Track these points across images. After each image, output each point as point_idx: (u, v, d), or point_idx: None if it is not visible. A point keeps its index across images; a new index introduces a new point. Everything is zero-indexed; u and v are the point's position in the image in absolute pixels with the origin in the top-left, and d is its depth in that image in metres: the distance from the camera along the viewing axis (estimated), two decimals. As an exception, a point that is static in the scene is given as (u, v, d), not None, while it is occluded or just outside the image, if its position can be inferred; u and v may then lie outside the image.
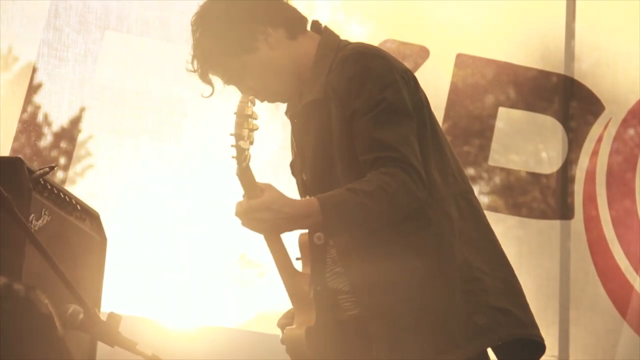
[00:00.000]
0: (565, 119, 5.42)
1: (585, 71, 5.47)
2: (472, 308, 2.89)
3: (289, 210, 2.82)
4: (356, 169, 2.91)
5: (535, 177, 5.38)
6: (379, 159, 2.87)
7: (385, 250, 2.92)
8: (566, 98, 5.43)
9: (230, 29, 3.07)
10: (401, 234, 2.92)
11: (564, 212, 5.33)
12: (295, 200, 2.86)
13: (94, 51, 4.70)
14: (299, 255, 3.06)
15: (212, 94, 3.15)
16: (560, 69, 5.41)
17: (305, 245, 3.00)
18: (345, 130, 2.94)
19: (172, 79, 4.77)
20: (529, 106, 5.40)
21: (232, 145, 2.77)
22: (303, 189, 3.13)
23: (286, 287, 2.99)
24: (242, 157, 2.77)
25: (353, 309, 2.99)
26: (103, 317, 2.61)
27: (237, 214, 2.84)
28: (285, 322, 3.08)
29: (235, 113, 2.75)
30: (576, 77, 5.44)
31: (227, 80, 3.11)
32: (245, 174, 2.80)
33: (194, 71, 3.12)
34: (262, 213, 2.80)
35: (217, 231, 4.74)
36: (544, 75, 5.41)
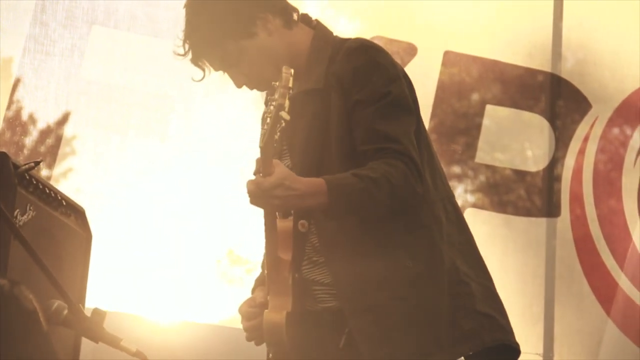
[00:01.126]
0: (552, 117, 5.43)
1: (572, 70, 5.48)
2: (459, 312, 2.91)
3: (299, 187, 2.77)
4: (352, 159, 2.91)
5: (521, 175, 5.39)
6: (381, 150, 2.87)
7: (375, 246, 2.92)
8: (553, 96, 5.44)
9: (231, 12, 3.04)
10: (392, 233, 2.92)
11: (550, 210, 5.35)
12: (303, 178, 2.81)
13: (81, 46, 4.69)
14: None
15: (202, 78, 3.11)
16: (547, 67, 5.42)
17: (286, 232, 2.97)
18: (344, 120, 2.95)
19: (159, 75, 4.76)
20: (516, 104, 5.41)
21: (267, 115, 2.66)
22: None
23: (268, 268, 2.97)
24: (276, 129, 2.67)
25: (330, 301, 2.99)
26: (87, 313, 2.60)
27: (250, 191, 2.76)
28: (247, 309, 3.07)
29: (279, 84, 2.64)
30: (563, 76, 5.44)
31: (221, 66, 3.07)
32: (270, 147, 2.70)
33: (183, 55, 3.07)
34: (276, 190, 2.74)
35: (204, 227, 4.74)
36: (531, 73, 5.42)
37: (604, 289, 5.29)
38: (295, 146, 3.02)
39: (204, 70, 3.10)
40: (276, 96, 2.64)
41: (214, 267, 4.82)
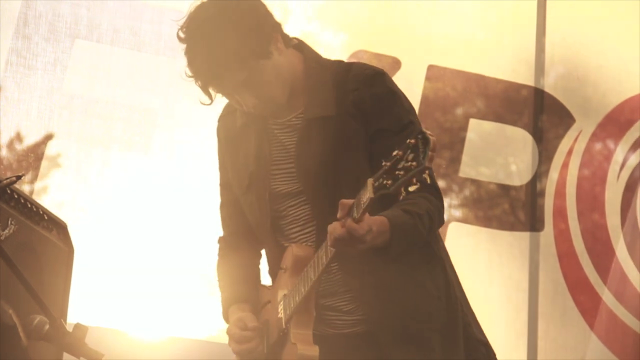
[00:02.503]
0: (535, 132, 5.44)
1: (556, 84, 5.50)
2: (468, 343, 3.03)
3: (377, 229, 2.80)
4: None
5: (505, 189, 5.40)
6: None
7: (402, 276, 3.00)
8: (536, 110, 5.45)
9: (255, 30, 2.99)
10: (415, 263, 3.01)
11: (534, 224, 5.35)
12: (373, 218, 2.81)
13: (64, 60, 4.68)
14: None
15: (211, 102, 3.09)
16: (530, 82, 5.44)
17: (297, 258, 3.02)
18: (364, 146, 2.99)
19: (142, 89, 4.75)
20: (500, 118, 5.42)
21: (412, 167, 2.57)
22: (274, 198, 3.12)
23: (302, 299, 3.00)
24: (400, 190, 2.62)
25: (349, 327, 3.05)
26: (69, 329, 2.59)
27: (339, 236, 2.74)
28: (239, 332, 3.11)
29: (431, 148, 2.58)
30: (546, 90, 5.46)
31: (237, 86, 3.00)
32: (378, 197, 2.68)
33: (194, 77, 3.01)
34: (366, 236, 2.76)
35: (189, 241, 4.72)
36: (514, 87, 5.43)
37: (587, 304, 5.30)
38: (309, 171, 3.03)
39: (211, 95, 3.06)
40: (416, 163, 2.58)
41: (200, 281, 4.80)
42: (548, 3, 5.47)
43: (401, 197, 2.60)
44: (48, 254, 3.20)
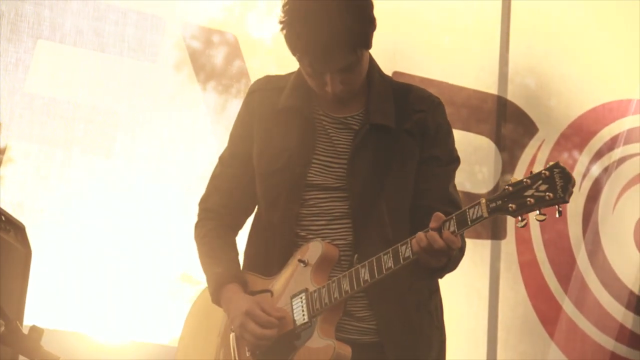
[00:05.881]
0: (498, 140, 5.46)
1: (519, 93, 5.53)
2: None
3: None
4: (405, 199, 3.09)
5: (471, 197, 5.41)
6: (448, 214, 2.97)
7: (418, 304, 3.11)
8: (499, 119, 5.48)
9: (368, 19, 3.07)
10: (427, 293, 3.14)
11: (495, 232, 5.37)
12: None
13: (26, 60, 4.64)
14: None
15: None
16: (494, 90, 5.46)
17: (325, 256, 3.05)
18: (413, 164, 3.10)
19: (105, 91, 4.72)
20: (464, 126, 5.44)
21: (548, 198, 2.73)
22: (300, 185, 3.12)
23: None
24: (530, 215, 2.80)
25: (359, 335, 3.09)
26: (25, 331, 2.57)
27: (441, 247, 2.86)
28: (266, 317, 3.06)
29: (572, 184, 2.74)
30: (510, 98, 5.49)
31: (342, 70, 3.02)
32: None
33: (303, 46, 2.99)
34: (451, 251, 2.90)
35: (151, 245, 4.70)
36: (478, 95, 5.46)
37: (547, 312, 5.33)
38: (360, 173, 3.08)
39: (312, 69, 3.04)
40: (552, 194, 2.71)
41: (163, 285, 4.78)
42: (512, 13, 5.51)
43: (518, 224, 2.76)
44: (5, 256, 3.18)
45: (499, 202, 2.77)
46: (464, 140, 5.46)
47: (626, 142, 5.60)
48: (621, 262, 5.48)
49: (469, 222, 2.82)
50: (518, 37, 5.51)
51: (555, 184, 2.70)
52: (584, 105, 5.59)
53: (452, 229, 2.85)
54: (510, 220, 5.38)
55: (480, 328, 5.24)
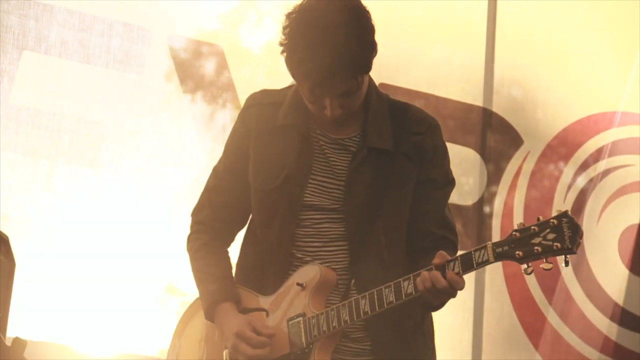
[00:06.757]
0: (483, 152, 5.47)
1: (505, 105, 5.54)
2: None
3: None
4: (402, 220, 3.09)
5: (457, 209, 5.42)
6: (444, 239, 3.12)
7: (413, 327, 3.12)
8: (485, 131, 5.49)
9: (369, 43, 3.07)
10: (420, 317, 3.15)
11: (480, 243, 5.37)
12: None
13: (11, 71, 4.64)
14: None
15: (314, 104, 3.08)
16: (479, 102, 5.47)
17: (324, 281, 3.04)
18: (410, 187, 3.10)
19: (90, 102, 4.72)
20: (451, 138, 5.45)
21: (555, 248, 2.75)
22: (296, 205, 3.11)
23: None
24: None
25: (355, 355, 3.09)
26: (8, 343, 2.56)
27: (443, 288, 2.87)
28: (255, 337, 3.06)
29: (580, 236, 2.77)
30: (495, 110, 5.50)
31: (342, 94, 3.01)
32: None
33: (304, 70, 2.97)
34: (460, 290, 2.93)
35: (137, 257, 4.69)
36: (464, 107, 5.46)
37: (532, 323, 5.34)
38: (357, 195, 3.07)
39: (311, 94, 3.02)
40: (560, 244, 2.73)
41: (149, 297, 4.77)
42: (498, 25, 5.52)
43: (525, 271, 2.80)
44: (-12, 267, 3.17)
45: (506, 248, 2.79)
46: (449, 151, 5.46)
47: (611, 154, 5.61)
48: (605, 274, 5.50)
49: (475, 265, 2.84)
50: (503, 49, 5.52)
51: (564, 234, 2.71)
52: (569, 117, 5.61)
53: (456, 270, 2.85)
54: (496, 232, 5.40)
55: (465, 339, 5.24)
